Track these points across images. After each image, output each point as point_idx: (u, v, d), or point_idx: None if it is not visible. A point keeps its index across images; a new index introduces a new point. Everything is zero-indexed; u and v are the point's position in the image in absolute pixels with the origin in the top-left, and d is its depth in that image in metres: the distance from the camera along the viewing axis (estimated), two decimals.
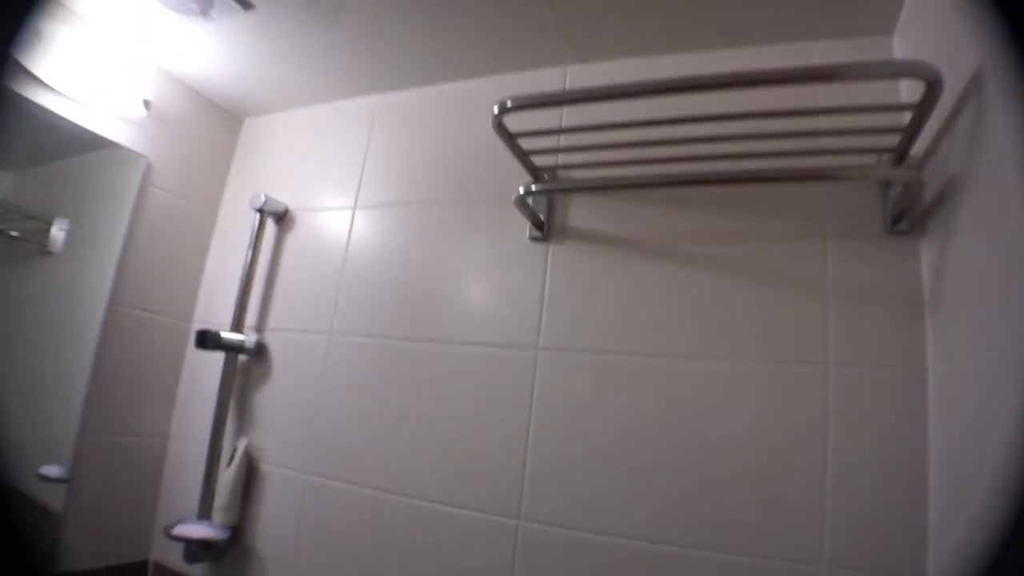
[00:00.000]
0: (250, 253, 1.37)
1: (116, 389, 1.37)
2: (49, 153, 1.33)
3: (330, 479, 1.21)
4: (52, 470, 1.28)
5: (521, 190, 1.02)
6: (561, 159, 1.11)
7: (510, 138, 0.99)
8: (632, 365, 1.00)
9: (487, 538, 1.03)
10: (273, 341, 1.35)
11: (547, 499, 1.01)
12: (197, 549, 1.25)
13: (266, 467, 1.29)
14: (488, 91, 1.22)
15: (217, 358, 1.35)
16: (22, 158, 1.29)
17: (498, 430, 1.07)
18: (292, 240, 1.41)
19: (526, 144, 1.02)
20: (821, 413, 0.88)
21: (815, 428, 0.88)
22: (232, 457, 1.28)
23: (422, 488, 1.11)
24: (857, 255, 0.92)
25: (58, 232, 1.33)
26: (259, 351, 1.34)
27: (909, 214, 0.89)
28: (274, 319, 1.37)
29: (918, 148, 0.86)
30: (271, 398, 1.33)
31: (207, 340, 1.29)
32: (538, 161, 1.08)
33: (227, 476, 1.26)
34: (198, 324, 1.46)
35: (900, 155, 0.86)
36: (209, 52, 1.36)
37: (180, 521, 1.24)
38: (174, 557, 1.34)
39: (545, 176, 1.12)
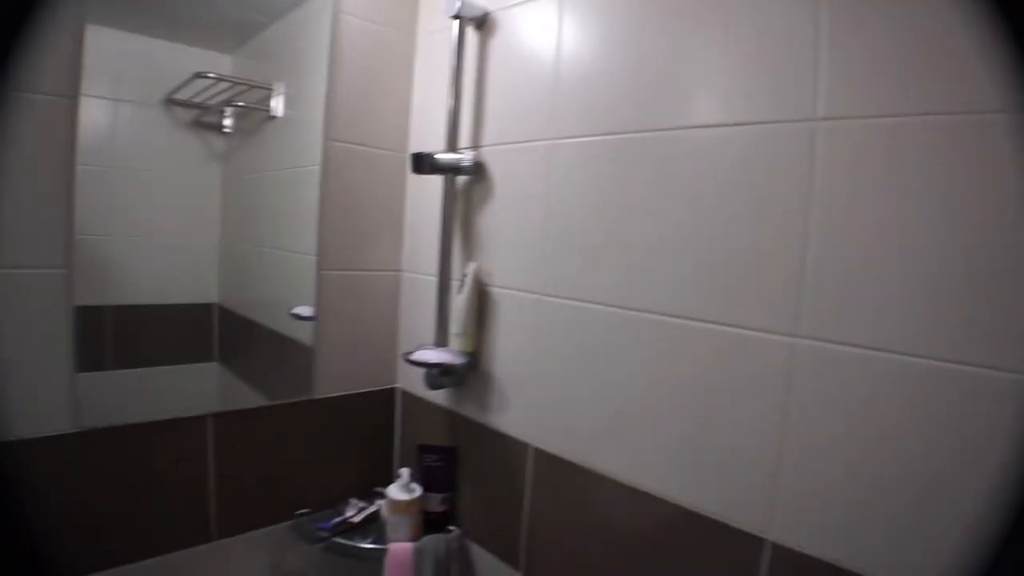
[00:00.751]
0: (454, 67, 1.24)
1: (344, 227, 1.38)
2: (254, 26, 1.32)
3: (565, 298, 1.09)
4: (303, 310, 1.35)
5: None
6: None
7: None
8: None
9: (753, 356, 0.83)
10: (491, 157, 1.23)
11: (831, 310, 0.77)
12: (437, 375, 1.24)
13: (497, 291, 1.21)
14: None
15: (437, 184, 1.27)
16: (234, 38, 1.32)
17: (765, 227, 0.82)
18: (496, 45, 1.24)
19: None
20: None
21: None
22: (463, 283, 1.22)
23: (671, 303, 0.93)
24: None
25: (278, 95, 1.33)
26: (477, 169, 1.23)
27: None
28: (488, 134, 1.24)
29: None
30: (495, 218, 1.23)
31: (423, 163, 1.21)
32: None
33: (459, 303, 1.21)
34: (413, 150, 1.39)
35: None
36: None
37: (419, 348, 1.23)
38: (417, 385, 1.36)
39: None
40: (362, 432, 1.47)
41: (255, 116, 1.37)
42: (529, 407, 1.16)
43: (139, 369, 1.21)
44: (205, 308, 1.31)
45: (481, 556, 1.30)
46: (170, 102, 1.22)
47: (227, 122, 1.32)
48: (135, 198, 1.18)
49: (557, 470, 1.11)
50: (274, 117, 1.38)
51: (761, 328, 0.83)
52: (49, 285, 1.02)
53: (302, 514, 1.36)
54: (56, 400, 1.05)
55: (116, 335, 1.16)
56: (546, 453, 1.13)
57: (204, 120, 1.28)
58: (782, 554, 0.80)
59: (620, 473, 1.01)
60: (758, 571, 0.83)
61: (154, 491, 1.19)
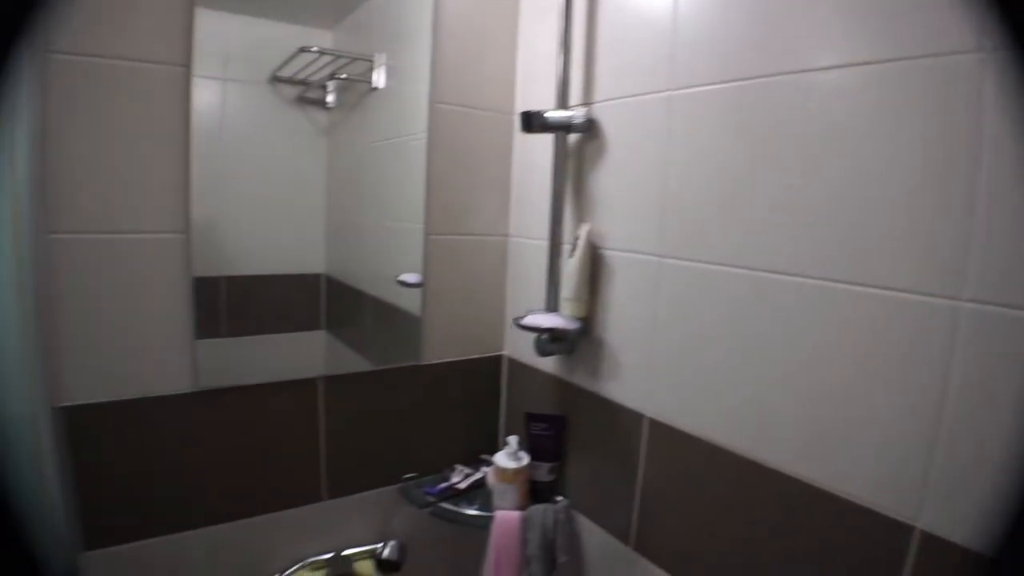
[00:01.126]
0: (563, 20, 1.18)
1: (451, 191, 1.36)
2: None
3: (688, 260, 1.01)
4: (409, 277, 1.35)
5: None
6: None
7: None
8: None
9: (910, 323, 0.73)
10: (604, 113, 1.17)
11: (1001, 268, 0.65)
12: (547, 341, 1.21)
13: (611, 253, 1.16)
14: None
15: (546, 146, 1.23)
16: (333, 13, 1.32)
17: (926, 176, 0.71)
18: None
19: None
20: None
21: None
22: (574, 246, 1.17)
23: (811, 264, 0.83)
24: None
25: (379, 67, 1.32)
26: (589, 126, 1.18)
27: None
28: (601, 89, 1.18)
29: None
30: (609, 177, 1.17)
31: (532, 122, 1.17)
32: None
33: (571, 266, 1.17)
34: (521, 109, 1.34)
35: None
36: None
37: (529, 313, 1.19)
38: (525, 352, 1.33)
39: None
40: (468, 399, 1.47)
41: (357, 89, 1.37)
42: (645, 375, 1.11)
43: (251, 337, 1.25)
44: (313, 278, 1.34)
45: (588, 528, 1.26)
46: (275, 80, 1.24)
47: (330, 97, 1.33)
48: (245, 174, 1.21)
49: (675, 443, 1.05)
50: (376, 89, 1.37)
51: (921, 291, 0.72)
52: (169, 250, 1.07)
53: (409, 478, 1.37)
54: (177, 362, 1.10)
55: (230, 304, 1.19)
56: (663, 424, 1.07)
57: (308, 96, 1.29)
58: (932, 544, 0.71)
59: (748, 448, 0.93)
60: (903, 562, 0.74)
61: (267, 450, 1.23)
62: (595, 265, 1.17)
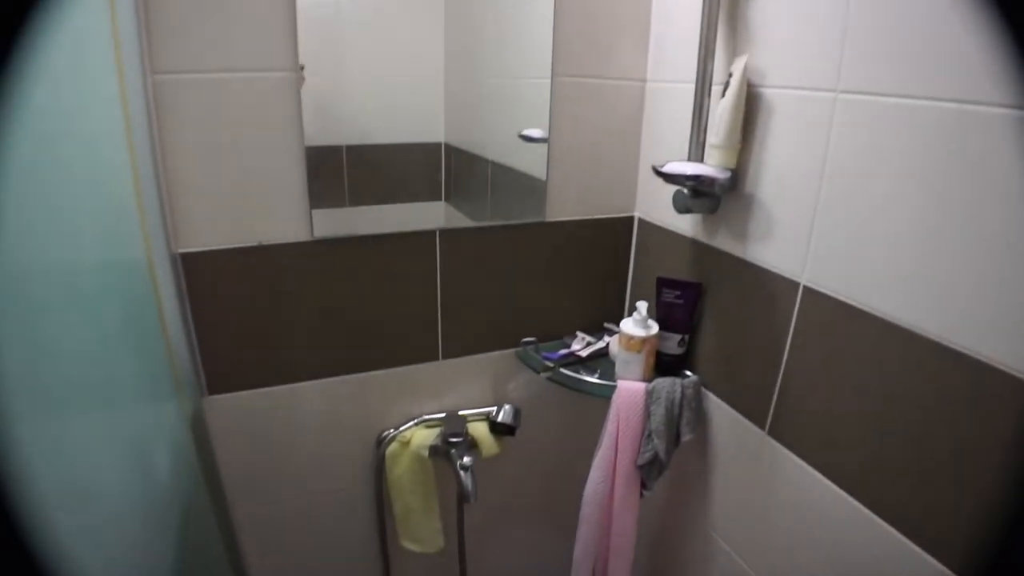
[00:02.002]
0: None
1: (582, 29, 1.20)
2: None
3: (873, 93, 0.81)
4: (533, 132, 1.25)
5: None
6: None
7: None
8: None
9: None
10: None
11: None
12: (689, 197, 1.07)
13: (771, 92, 0.97)
14: None
15: None
16: None
17: None
18: None
19: None
20: None
21: None
22: (726, 85, 0.99)
23: None
24: None
25: None
26: None
27: None
28: None
29: None
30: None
31: None
32: None
33: (721, 107, 0.99)
34: None
35: None
36: None
37: (669, 163, 1.05)
38: (660, 212, 1.20)
39: None
40: (593, 262, 1.38)
41: None
42: (804, 237, 0.94)
43: (372, 206, 1.22)
44: (434, 147, 1.27)
45: (718, 407, 1.17)
46: None
47: None
48: (361, 40, 1.14)
49: (835, 316, 0.89)
50: None
51: None
52: (279, 88, 1.02)
53: (527, 342, 1.33)
54: (295, 209, 1.09)
55: (350, 173, 1.16)
56: (822, 294, 0.92)
57: None
58: None
59: (931, 328, 0.75)
60: None
61: (385, 305, 1.22)
62: (750, 106, 0.99)
